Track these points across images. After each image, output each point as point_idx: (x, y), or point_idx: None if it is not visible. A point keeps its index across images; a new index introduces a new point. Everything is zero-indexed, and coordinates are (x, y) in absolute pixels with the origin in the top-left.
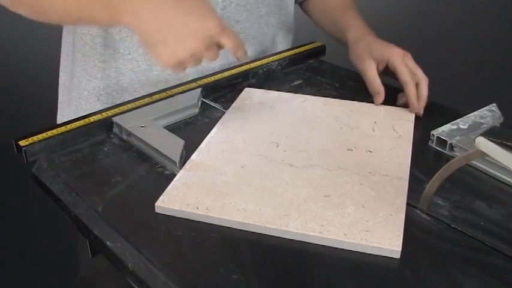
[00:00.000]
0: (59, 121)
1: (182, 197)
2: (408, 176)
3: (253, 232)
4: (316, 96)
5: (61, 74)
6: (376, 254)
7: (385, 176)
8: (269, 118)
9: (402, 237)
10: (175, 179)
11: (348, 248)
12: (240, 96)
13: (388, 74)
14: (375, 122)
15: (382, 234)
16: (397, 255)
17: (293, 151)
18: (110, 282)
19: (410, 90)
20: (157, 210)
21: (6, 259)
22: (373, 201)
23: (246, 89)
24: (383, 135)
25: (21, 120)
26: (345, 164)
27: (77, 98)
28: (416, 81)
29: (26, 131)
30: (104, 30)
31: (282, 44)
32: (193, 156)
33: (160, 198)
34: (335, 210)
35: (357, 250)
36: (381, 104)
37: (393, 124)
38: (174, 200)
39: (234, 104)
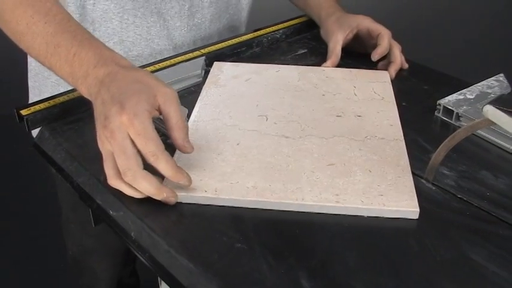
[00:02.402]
0: None
1: None
2: (403, 137)
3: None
4: (289, 65)
5: (30, 60)
6: (395, 217)
7: (382, 139)
8: (249, 91)
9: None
10: None
11: (366, 215)
12: (212, 71)
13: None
14: (355, 86)
15: (396, 197)
16: (416, 216)
17: (284, 122)
18: (99, 258)
19: (385, 41)
20: None
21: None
22: (378, 165)
23: (216, 63)
24: (366, 99)
25: None
26: (339, 131)
27: (45, 86)
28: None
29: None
30: (81, 9)
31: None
32: None
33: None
34: (344, 178)
35: (376, 215)
36: (355, 68)
37: (372, 87)
38: (178, 186)
39: (208, 80)
